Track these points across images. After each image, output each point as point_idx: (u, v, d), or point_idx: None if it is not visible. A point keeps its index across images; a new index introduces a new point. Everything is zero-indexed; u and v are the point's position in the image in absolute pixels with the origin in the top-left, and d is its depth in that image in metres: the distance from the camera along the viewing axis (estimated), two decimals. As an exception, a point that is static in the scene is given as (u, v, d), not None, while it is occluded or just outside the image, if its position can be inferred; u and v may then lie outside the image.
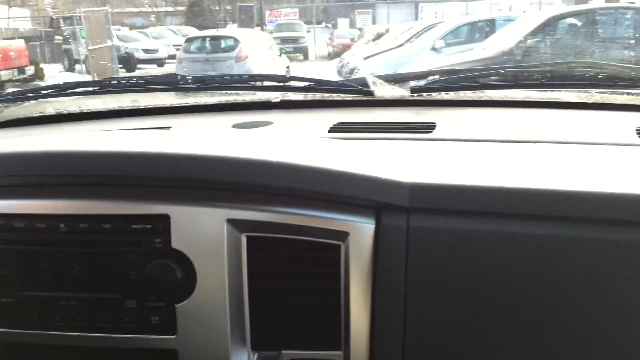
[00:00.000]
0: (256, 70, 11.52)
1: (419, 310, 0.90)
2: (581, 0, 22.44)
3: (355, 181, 0.91)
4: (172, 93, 1.90)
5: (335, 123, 1.39)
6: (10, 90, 1.84)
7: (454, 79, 1.70)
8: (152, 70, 24.20)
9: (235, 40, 11.65)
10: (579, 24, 8.84)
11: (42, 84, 16.64)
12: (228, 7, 52.98)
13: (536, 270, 0.88)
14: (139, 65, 23.84)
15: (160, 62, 25.57)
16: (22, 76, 15.24)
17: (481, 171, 0.99)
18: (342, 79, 13.82)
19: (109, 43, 17.34)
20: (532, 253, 0.88)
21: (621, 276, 0.86)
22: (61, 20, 25.51)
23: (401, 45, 12.65)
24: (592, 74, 1.59)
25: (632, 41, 8.32)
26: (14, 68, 14.61)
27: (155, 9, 57.12)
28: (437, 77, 1.77)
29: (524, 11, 15.62)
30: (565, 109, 1.52)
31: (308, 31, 27.69)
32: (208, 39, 12.47)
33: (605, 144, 1.18)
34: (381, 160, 1.02)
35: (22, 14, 44.14)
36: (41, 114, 1.76)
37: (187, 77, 1.75)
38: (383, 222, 0.90)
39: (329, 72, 17.26)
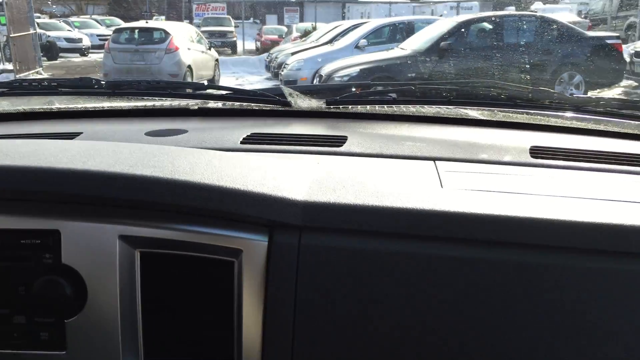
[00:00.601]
0: (186, 61, 11.71)
1: (307, 327, 0.91)
2: (499, 7, 23.83)
3: (248, 199, 0.91)
4: (87, 97, 1.84)
5: (248, 134, 1.39)
6: None
7: (367, 93, 1.74)
8: (75, 59, 23.65)
9: (165, 32, 11.78)
10: (488, 28, 9.69)
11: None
12: (153, -1, 51.94)
13: (423, 288, 0.89)
14: (61, 54, 23.27)
15: (82, 52, 25.03)
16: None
17: (379, 189, 0.98)
18: (271, 73, 14.22)
19: (31, 31, 16.94)
20: (419, 272, 0.89)
21: (503, 293, 0.88)
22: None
23: (327, 42, 13.24)
24: (495, 94, 1.64)
25: (533, 45, 9.24)
26: None
27: (76, -2, 55.11)
28: (352, 90, 1.82)
29: (441, 15, 16.58)
30: (471, 125, 1.55)
31: (236, 26, 27.81)
32: (138, 30, 12.53)
33: (501, 164, 1.22)
34: (282, 176, 1.00)
35: None
36: None
37: (102, 82, 1.72)
38: (275, 240, 0.91)
39: (257, 66, 17.64)
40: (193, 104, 1.70)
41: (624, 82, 10.82)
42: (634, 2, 19.77)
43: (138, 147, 1.09)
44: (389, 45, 10.67)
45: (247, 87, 12.58)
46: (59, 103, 1.79)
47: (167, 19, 24.38)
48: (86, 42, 25.53)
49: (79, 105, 1.76)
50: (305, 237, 0.91)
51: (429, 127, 1.53)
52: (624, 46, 11.88)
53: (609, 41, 9.62)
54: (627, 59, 10.45)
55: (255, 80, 15.04)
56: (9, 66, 16.67)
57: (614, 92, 10.37)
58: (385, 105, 1.63)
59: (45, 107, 1.75)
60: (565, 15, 21.37)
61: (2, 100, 1.79)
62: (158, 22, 14.27)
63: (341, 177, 1.03)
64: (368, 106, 1.64)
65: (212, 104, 1.71)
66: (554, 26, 9.58)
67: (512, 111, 1.61)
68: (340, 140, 1.35)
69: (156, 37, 11.80)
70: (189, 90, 1.80)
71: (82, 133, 1.43)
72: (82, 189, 0.92)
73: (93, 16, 35.44)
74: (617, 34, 11.32)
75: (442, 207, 0.91)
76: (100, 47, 26.97)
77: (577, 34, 9.45)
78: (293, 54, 12.83)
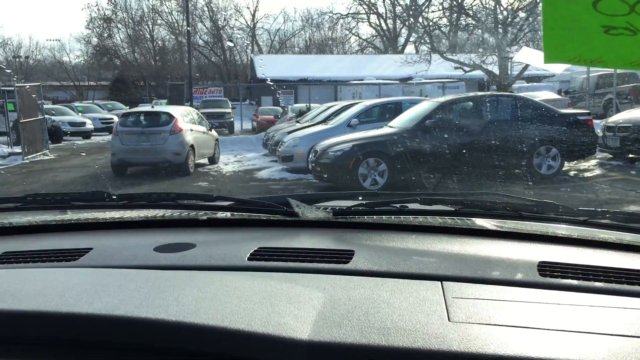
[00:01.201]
0: (189, 141, 12.44)
1: None
2: (484, 87, 25.04)
3: (252, 340, 0.89)
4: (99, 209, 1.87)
5: (255, 249, 1.38)
6: None
7: (375, 203, 1.72)
8: (79, 141, 24.51)
9: (170, 115, 12.55)
10: (469, 107, 10.54)
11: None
12: (153, 83, 54.01)
13: None
14: (65, 137, 24.15)
15: (86, 135, 25.97)
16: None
17: (385, 324, 0.94)
18: (268, 150, 14.92)
19: (39, 116, 17.85)
20: None
21: None
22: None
23: (321, 122, 14.09)
24: (501, 205, 1.62)
25: (511, 121, 10.04)
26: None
27: (78, 83, 57.15)
28: (360, 199, 1.83)
29: (426, 96, 17.64)
30: (477, 236, 1.51)
31: (233, 107, 29.02)
32: (144, 114, 13.33)
33: (509, 284, 1.17)
34: (287, 311, 0.97)
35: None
36: None
37: (113, 195, 1.74)
38: None
39: (254, 144, 18.48)
40: (202, 214, 1.70)
41: (599, 155, 11.62)
42: (609, 81, 20.99)
43: (145, 279, 1.10)
44: (379, 124, 11.46)
45: (246, 164, 13.22)
46: (71, 215, 1.84)
47: (169, 102, 25.44)
48: (89, 125, 26.54)
49: (90, 217, 1.80)
50: None
51: (436, 239, 1.49)
52: (598, 121, 12.78)
53: (580, 117, 10.47)
54: (600, 133, 11.25)
55: (253, 157, 15.81)
56: (17, 149, 17.47)
57: (589, 163, 11.13)
58: (392, 216, 1.63)
59: (56, 219, 1.79)
60: (546, 93, 22.62)
61: (16, 214, 1.79)
62: (162, 107, 15.10)
63: (347, 307, 1.00)
64: (374, 216, 1.63)
65: (220, 215, 1.71)
66: (529, 105, 10.45)
67: (518, 222, 1.57)
68: (348, 256, 1.33)
69: (161, 120, 12.56)
70: (197, 202, 1.80)
71: (92, 249, 1.43)
72: (88, 334, 0.92)
73: (95, 101, 36.74)
74: (588, 111, 12.17)
75: (449, 347, 0.88)
76: (103, 129, 28.16)
77: (551, 111, 10.29)
78: (289, 132, 13.63)
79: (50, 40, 60.34)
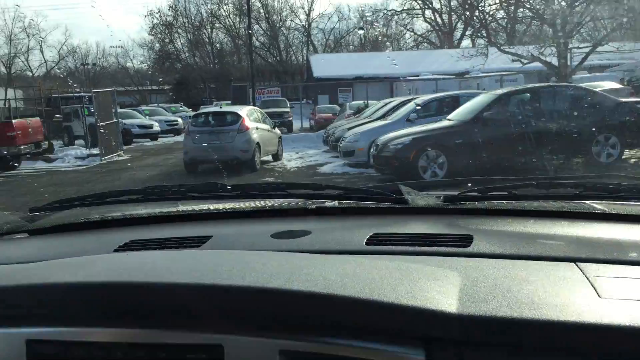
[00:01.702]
0: (254, 139, 13.13)
1: None
2: (543, 79, 24.81)
3: (403, 313, 0.89)
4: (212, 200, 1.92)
5: (371, 234, 1.37)
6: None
7: (486, 188, 1.66)
8: (147, 143, 25.75)
9: (237, 115, 13.32)
10: (526, 99, 10.74)
11: (51, 156, 18.10)
12: (212, 85, 55.69)
13: None
14: (134, 139, 25.45)
15: (153, 137, 27.25)
16: (38, 150, 16.73)
17: (532, 299, 0.93)
18: (329, 146, 15.48)
19: (114, 120, 19.06)
20: None
21: None
22: (60, 100, 27.14)
23: (380, 117, 14.54)
24: (624, 187, 1.53)
25: (569, 111, 10.20)
26: (31, 143, 16.07)
27: (140, 88, 59.56)
28: (469, 185, 1.77)
29: (484, 89, 17.75)
30: (599, 220, 1.44)
31: (291, 107, 29.75)
32: (213, 114, 14.14)
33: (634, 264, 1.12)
34: (429, 287, 0.97)
35: (17, 94, 46.03)
36: (86, 220, 1.82)
37: (227, 186, 1.79)
38: (434, 356, 0.88)
39: (315, 141, 19.10)
40: (310, 203, 1.72)
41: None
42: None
43: (285, 259, 1.13)
44: (437, 117, 11.79)
45: (308, 160, 13.81)
46: (186, 206, 1.91)
47: (233, 102, 26.39)
48: (156, 127, 27.80)
49: (205, 208, 1.85)
50: (467, 353, 0.88)
51: (557, 223, 1.43)
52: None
53: (638, 105, 10.50)
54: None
55: (314, 153, 16.41)
56: (94, 151, 18.73)
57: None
58: (504, 201, 1.57)
59: (175, 210, 1.87)
60: (608, 83, 22.21)
61: (137, 206, 1.88)
62: (230, 107, 15.90)
63: (487, 284, 0.99)
64: (486, 202, 1.59)
65: (328, 204, 1.72)
66: (587, 94, 10.57)
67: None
68: (467, 240, 1.30)
69: (229, 120, 13.32)
70: (306, 191, 1.81)
71: (212, 237, 1.47)
72: (246, 305, 0.96)
73: (160, 104, 38.29)
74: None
75: (609, 321, 0.85)
76: (168, 131, 29.45)
77: (609, 100, 10.39)
78: (349, 128, 14.15)
79: (114, 47, 62.98)
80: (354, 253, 1.25)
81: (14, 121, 15.82)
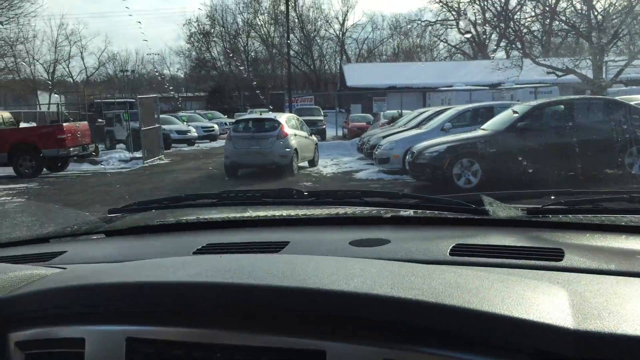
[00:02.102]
0: (293, 145, 13.62)
1: None
2: (579, 91, 24.85)
3: (517, 326, 0.85)
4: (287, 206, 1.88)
5: (454, 245, 1.34)
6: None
7: (573, 201, 1.60)
8: (185, 148, 26.51)
9: (277, 122, 13.86)
10: (560, 110, 11.00)
11: (97, 159, 18.91)
12: (246, 93, 56.68)
13: None
14: (173, 144, 26.24)
15: (190, 142, 28.03)
16: (85, 152, 17.54)
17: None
18: (364, 154, 15.89)
19: (156, 125, 19.81)
20: None
21: None
22: (102, 105, 28.15)
23: (415, 126, 14.91)
24: None
25: (601, 123, 10.43)
26: (80, 145, 16.86)
27: (178, 95, 60.88)
28: (552, 198, 1.70)
29: (518, 101, 17.96)
30: None
31: (325, 115, 30.26)
32: (253, 120, 14.70)
33: None
34: (537, 299, 0.92)
35: (60, 99, 47.64)
36: (161, 222, 1.82)
37: (304, 192, 1.77)
38: None
39: (349, 148, 19.53)
40: (384, 211, 1.69)
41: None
42: None
43: (382, 265, 1.10)
44: (471, 127, 12.12)
45: (343, 166, 14.25)
46: (261, 211, 1.88)
47: (272, 110, 27.05)
48: (193, 133, 28.58)
49: (285, 214, 1.82)
50: None
51: None
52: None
53: (672, 119, 10.66)
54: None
55: (349, 160, 16.86)
56: (137, 154, 19.49)
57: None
58: (592, 215, 1.51)
59: (251, 215, 1.85)
60: (643, 95, 22.14)
61: (212, 210, 1.90)
62: (269, 114, 16.46)
63: (597, 300, 0.95)
64: (572, 215, 1.52)
65: (404, 213, 1.69)
66: (620, 107, 10.77)
67: None
68: (558, 253, 1.25)
69: (269, 126, 13.85)
70: (382, 199, 1.78)
71: (289, 242, 1.46)
72: (351, 311, 0.93)
73: (197, 111, 39.22)
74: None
75: None
76: (205, 137, 30.24)
77: (641, 113, 10.58)
78: (384, 137, 14.55)
79: (151, 54, 64.62)
80: (439, 263, 1.20)
81: (64, 124, 16.63)
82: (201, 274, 1.06)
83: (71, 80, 59.27)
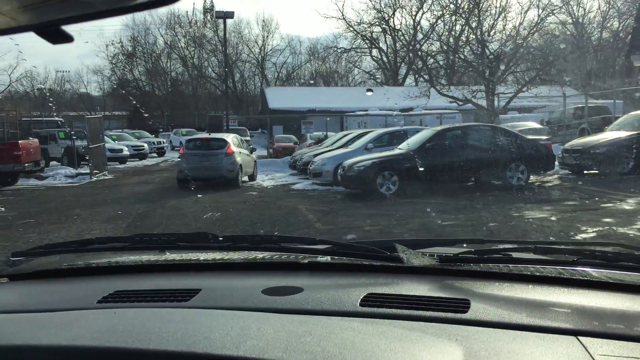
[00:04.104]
0: (238, 161, 15.72)
1: None
2: (478, 117, 28.59)
3: None
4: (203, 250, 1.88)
5: (365, 294, 1.35)
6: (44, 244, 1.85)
7: (483, 250, 1.64)
8: (118, 166, 27.72)
9: (224, 140, 15.95)
10: (458, 134, 13.94)
11: (43, 174, 20.05)
12: (167, 113, 57.70)
13: None
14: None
15: (122, 160, 29.12)
16: (37, 168, 18.74)
17: None
18: (297, 170, 18.24)
19: (101, 142, 21.24)
20: None
21: None
22: (31, 123, 28.78)
23: (342, 146, 17.49)
24: (624, 256, 1.52)
25: (489, 145, 13.39)
26: (32, 162, 18.09)
27: (95, 114, 60.82)
28: (464, 246, 1.79)
29: (426, 125, 21.11)
30: (597, 289, 1.39)
31: (251, 136, 32.41)
32: (203, 139, 16.68)
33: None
34: (426, 356, 0.95)
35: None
36: (70, 266, 1.75)
37: (219, 237, 1.76)
38: None
39: (280, 165, 21.82)
40: (302, 257, 1.69)
41: (561, 171, 14.99)
42: (583, 113, 24.43)
43: (281, 323, 1.10)
44: (389, 147, 14.85)
45: (280, 180, 16.74)
46: (177, 255, 1.85)
47: (209, 130, 28.69)
48: (126, 152, 29.80)
49: (194, 258, 1.80)
50: None
51: (556, 290, 1.38)
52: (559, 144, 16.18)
53: (542, 142, 13.91)
54: (560, 154, 14.65)
55: (282, 175, 19.13)
56: (82, 170, 20.83)
57: (552, 177, 14.47)
58: (501, 264, 1.54)
59: (163, 259, 1.81)
60: (530, 123, 26.07)
61: (124, 254, 1.87)
62: (218, 134, 18.47)
63: (488, 359, 0.96)
64: (482, 264, 1.54)
65: (321, 259, 1.67)
66: (503, 132, 13.91)
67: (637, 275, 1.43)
68: (464, 305, 1.26)
69: (217, 145, 15.90)
70: (299, 245, 1.78)
71: (200, 290, 1.44)
72: None
73: (125, 130, 40.05)
74: (549, 137, 15.65)
75: None
76: (135, 156, 31.44)
77: (519, 137, 13.73)
78: (315, 155, 17.00)
79: (60, 72, 63.90)
80: (348, 314, 1.22)
81: (20, 142, 17.83)
82: (85, 336, 1.03)
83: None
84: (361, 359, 0.92)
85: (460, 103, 25.75)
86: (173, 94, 62.18)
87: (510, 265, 1.53)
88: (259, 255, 1.76)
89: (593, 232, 7.66)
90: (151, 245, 1.84)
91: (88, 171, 20.24)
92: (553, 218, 8.95)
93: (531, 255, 1.60)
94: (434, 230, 8.33)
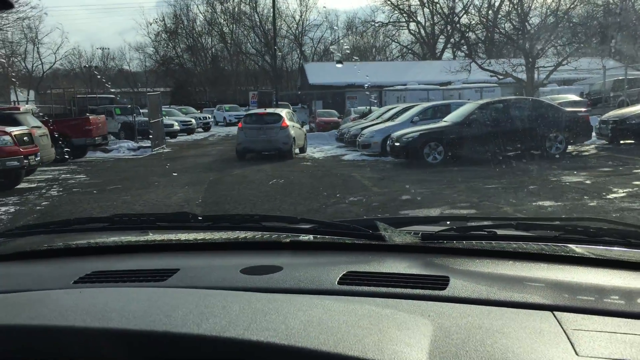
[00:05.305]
0: (291, 134, 16.95)
1: None
2: (516, 90, 29.13)
3: None
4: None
5: (344, 273, 1.34)
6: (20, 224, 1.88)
7: (465, 227, 1.64)
8: (170, 140, 29.31)
9: (279, 115, 17.21)
10: (499, 107, 14.89)
11: (108, 148, 21.66)
12: (208, 90, 59.32)
13: None
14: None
15: (173, 135, 30.60)
16: (104, 142, 20.40)
17: (507, 357, 0.88)
18: (344, 142, 19.41)
19: (160, 118, 22.76)
20: None
21: None
22: (86, 100, 30.46)
23: (388, 119, 18.58)
24: (606, 232, 1.51)
25: (529, 116, 14.31)
26: (100, 136, 19.71)
27: (137, 90, 62.82)
28: (447, 223, 1.76)
29: (469, 99, 21.96)
30: (578, 264, 1.39)
31: (295, 111, 33.53)
32: (260, 114, 17.94)
33: (624, 316, 1.08)
34: (398, 339, 0.93)
35: (28, 95, 48.98)
36: (49, 247, 1.76)
37: (199, 217, 1.74)
38: None
39: (327, 139, 22.99)
40: (284, 236, 1.67)
41: (598, 141, 15.80)
42: (622, 85, 24.86)
43: (244, 301, 1.09)
44: (434, 120, 15.90)
45: (329, 152, 18.00)
46: (156, 235, 1.82)
47: (259, 105, 29.86)
48: (176, 127, 31.36)
49: (175, 239, 1.78)
50: None
51: (535, 266, 1.39)
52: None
53: (580, 114, 14.77)
54: (597, 125, 15.47)
55: (330, 148, 20.30)
56: (143, 144, 22.42)
57: (588, 147, 15.32)
58: (483, 241, 1.53)
59: (142, 240, 1.78)
60: (569, 96, 26.61)
61: (103, 234, 1.85)
62: (273, 109, 19.74)
63: (459, 336, 0.96)
64: (465, 242, 1.54)
65: (303, 237, 1.67)
66: (543, 105, 14.81)
67: (626, 250, 1.43)
68: (443, 282, 1.26)
69: (273, 119, 17.15)
70: (280, 224, 1.77)
71: (179, 270, 1.43)
72: (197, 356, 0.91)
73: (172, 106, 41.65)
74: (587, 109, 16.49)
75: None
76: (183, 130, 32.97)
77: (558, 109, 14.63)
78: (363, 128, 18.13)
79: (100, 48, 65.98)
80: (326, 293, 1.22)
81: (90, 117, 19.44)
82: (44, 316, 1.03)
83: (29, 75, 60.03)
84: (325, 336, 0.91)
85: (501, 77, 26.41)
86: (213, 71, 63.72)
87: (492, 242, 1.52)
88: (241, 234, 1.75)
89: (623, 192, 8.66)
90: (131, 226, 1.83)
91: (149, 144, 21.81)
92: (587, 181, 9.94)
93: (514, 232, 1.59)
94: (480, 191, 9.43)
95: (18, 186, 12.38)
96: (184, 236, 1.78)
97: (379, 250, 1.55)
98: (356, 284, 1.27)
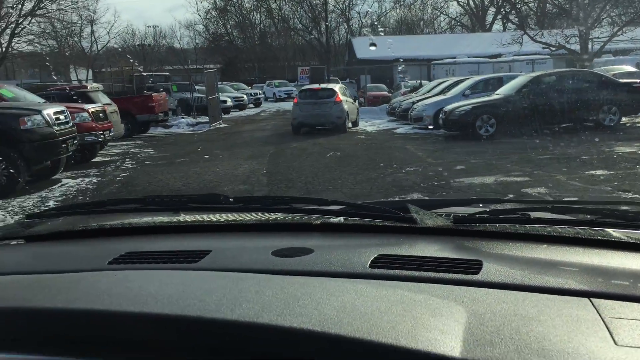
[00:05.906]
0: (345, 109, 17.45)
1: None
2: (569, 63, 28.69)
3: (401, 356, 0.84)
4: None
5: (375, 256, 1.33)
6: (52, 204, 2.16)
7: (499, 210, 1.62)
8: (223, 116, 30.23)
9: (333, 90, 17.75)
10: (552, 79, 15.01)
11: (167, 124, 22.66)
12: (257, 66, 60.09)
13: None
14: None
15: (226, 111, 31.50)
16: (165, 118, 21.41)
17: (543, 345, 0.87)
18: (395, 117, 19.84)
19: (216, 94, 23.63)
20: None
21: None
22: (144, 78, 31.61)
23: (440, 93, 18.87)
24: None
25: (583, 89, 14.42)
26: (162, 112, 20.72)
27: (187, 67, 64.16)
28: (480, 206, 1.74)
29: (521, 72, 21.92)
30: (615, 249, 1.34)
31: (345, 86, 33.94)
32: (314, 90, 18.53)
33: None
34: (432, 325, 0.92)
35: (87, 73, 50.82)
36: (84, 228, 1.79)
37: (230, 198, 1.75)
38: None
39: (378, 113, 23.41)
40: (315, 218, 1.67)
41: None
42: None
43: (279, 285, 1.10)
44: (485, 93, 16.12)
45: (380, 126, 18.47)
46: (188, 216, 1.83)
47: (311, 81, 30.47)
48: (230, 103, 32.23)
49: (206, 220, 1.80)
50: None
51: (571, 251, 1.34)
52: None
53: (634, 85, 14.74)
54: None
55: (381, 122, 20.75)
56: (200, 119, 23.35)
57: (643, 119, 15.29)
58: (517, 224, 1.49)
59: (174, 221, 1.79)
60: (624, 67, 26.07)
61: (136, 215, 1.88)
62: (327, 84, 20.29)
63: (494, 323, 0.93)
64: (498, 225, 1.50)
65: (333, 220, 1.66)
66: (597, 77, 14.86)
67: None
68: (476, 266, 1.23)
69: (327, 94, 17.70)
70: (312, 206, 1.77)
71: (211, 251, 1.43)
72: (233, 341, 0.91)
73: (224, 83, 42.63)
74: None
75: None
76: (235, 106, 33.86)
77: (612, 81, 14.67)
78: (414, 102, 18.50)
79: (150, 26, 67.38)
80: (357, 276, 1.21)
81: (153, 94, 20.44)
82: (80, 299, 1.05)
83: (85, 54, 61.98)
84: (359, 323, 0.90)
85: (553, 49, 26.13)
86: (261, 47, 64.44)
87: (526, 225, 1.49)
88: (272, 216, 1.75)
89: (676, 161, 8.91)
90: (163, 207, 1.85)
91: (206, 120, 22.73)
92: (641, 152, 10.17)
93: (548, 215, 1.55)
94: (533, 161, 9.81)
95: (94, 160, 13.42)
96: (215, 217, 1.81)
97: (411, 232, 1.53)
98: (387, 267, 1.25)
